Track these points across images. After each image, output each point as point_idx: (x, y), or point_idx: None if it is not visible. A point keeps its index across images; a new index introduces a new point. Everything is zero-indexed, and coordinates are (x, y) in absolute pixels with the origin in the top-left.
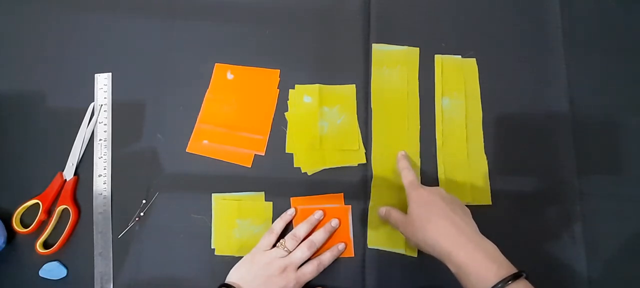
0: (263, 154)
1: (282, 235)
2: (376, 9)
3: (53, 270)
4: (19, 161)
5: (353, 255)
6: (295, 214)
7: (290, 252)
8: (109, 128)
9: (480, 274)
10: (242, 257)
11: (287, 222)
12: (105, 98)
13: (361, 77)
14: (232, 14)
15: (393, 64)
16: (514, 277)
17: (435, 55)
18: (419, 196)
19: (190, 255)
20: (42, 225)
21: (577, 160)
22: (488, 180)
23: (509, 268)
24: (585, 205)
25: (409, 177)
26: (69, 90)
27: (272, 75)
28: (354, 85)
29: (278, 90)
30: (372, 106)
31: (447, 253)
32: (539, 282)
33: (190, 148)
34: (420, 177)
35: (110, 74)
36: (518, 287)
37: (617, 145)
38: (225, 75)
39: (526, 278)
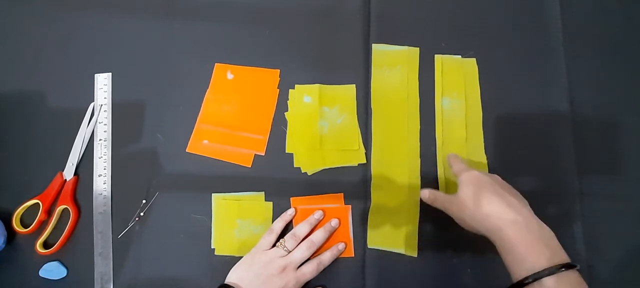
0: (263, 154)
1: (282, 235)
2: (376, 9)
3: (53, 270)
4: (19, 161)
5: (353, 255)
6: (295, 214)
7: (290, 251)
8: (109, 128)
9: (529, 256)
10: (242, 257)
11: (287, 222)
12: (105, 98)
13: (361, 77)
14: (232, 14)
15: (393, 64)
16: (567, 267)
17: (435, 55)
18: (470, 176)
19: (190, 255)
20: (42, 225)
21: (577, 160)
22: None
23: (562, 257)
24: (585, 205)
25: (460, 164)
26: (69, 90)
27: (272, 75)
28: (354, 85)
29: (278, 90)
30: (372, 106)
31: (497, 228)
32: None
33: (190, 148)
34: (420, 178)
35: (110, 74)
36: (570, 277)
37: (617, 145)
38: (225, 75)
39: (579, 271)
